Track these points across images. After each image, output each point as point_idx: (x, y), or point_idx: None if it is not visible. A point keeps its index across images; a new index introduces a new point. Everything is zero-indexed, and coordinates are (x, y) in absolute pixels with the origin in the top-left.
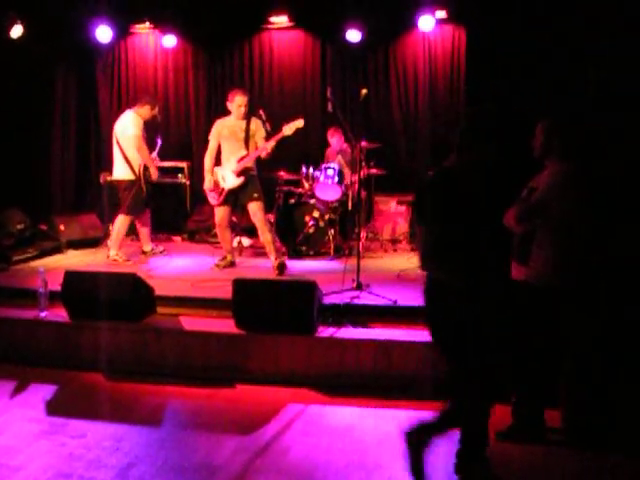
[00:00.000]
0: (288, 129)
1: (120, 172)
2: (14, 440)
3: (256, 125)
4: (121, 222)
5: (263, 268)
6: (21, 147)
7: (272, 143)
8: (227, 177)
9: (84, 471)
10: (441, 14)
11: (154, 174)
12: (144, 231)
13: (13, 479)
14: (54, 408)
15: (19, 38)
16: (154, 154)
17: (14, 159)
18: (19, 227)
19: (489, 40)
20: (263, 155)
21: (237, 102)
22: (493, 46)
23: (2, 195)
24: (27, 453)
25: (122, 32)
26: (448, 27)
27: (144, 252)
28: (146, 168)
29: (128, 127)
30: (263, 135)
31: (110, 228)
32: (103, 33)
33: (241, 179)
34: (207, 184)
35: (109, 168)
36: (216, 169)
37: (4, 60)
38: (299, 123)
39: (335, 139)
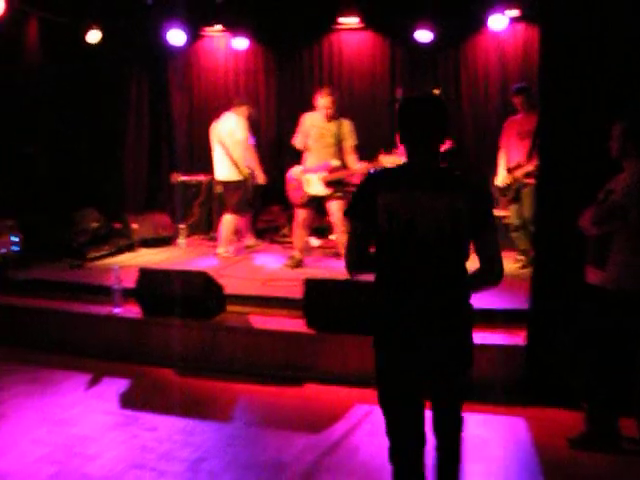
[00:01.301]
0: (386, 161)
1: (226, 173)
2: (89, 430)
3: (347, 130)
4: (228, 221)
5: (332, 268)
6: (96, 149)
7: (364, 167)
8: (313, 184)
9: (156, 463)
10: (513, 13)
11: (261, 178)
12: (246, 228)
13: (89, 467)
14: (127, 401)
15: (95, 43)
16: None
17: (90, 161)
18: (94, 225)
19: (568, 38)
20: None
21: (320, 103)
22: (572, 45)
23: (79, 195)
24: (101, 443)
25: (194, 35)
26: (520, 26)
27: (247, 246)
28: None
29: (236, 130)
30: (353, 144)
31: (180, 227)
32: (175, 37)
33: (329, 190)
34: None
35: (181, 169)
36: (300, 169)
37: (80, 64)
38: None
39: None
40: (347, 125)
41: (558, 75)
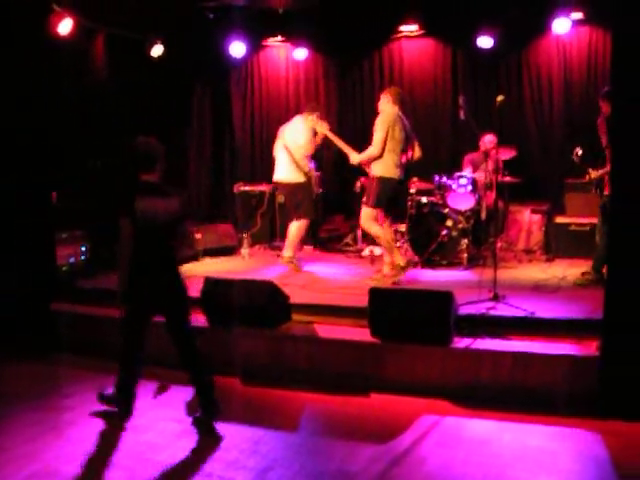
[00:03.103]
0: None
1: (285, 174)
2: (158, 438)
3: None
4: (296, 227)
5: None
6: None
7: None
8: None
9: (223, 472)
10: (577, 15)
11: (315, 186)
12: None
13: (157, 474)
14: (194, 409)
15: (158, 57)
16: (312, 165)
17: None
18: None
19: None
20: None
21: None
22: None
23: None
24: (170, 450)
25: (255, 46)
26: (584, 29)
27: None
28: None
29: (299, 134)
30: None
31: (243, 236)
32: (237, 48)
33: None
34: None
35: (243, 179)
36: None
37: (145, 78)
38: None
39: (490, 145)
40: None
41: (631, 79)
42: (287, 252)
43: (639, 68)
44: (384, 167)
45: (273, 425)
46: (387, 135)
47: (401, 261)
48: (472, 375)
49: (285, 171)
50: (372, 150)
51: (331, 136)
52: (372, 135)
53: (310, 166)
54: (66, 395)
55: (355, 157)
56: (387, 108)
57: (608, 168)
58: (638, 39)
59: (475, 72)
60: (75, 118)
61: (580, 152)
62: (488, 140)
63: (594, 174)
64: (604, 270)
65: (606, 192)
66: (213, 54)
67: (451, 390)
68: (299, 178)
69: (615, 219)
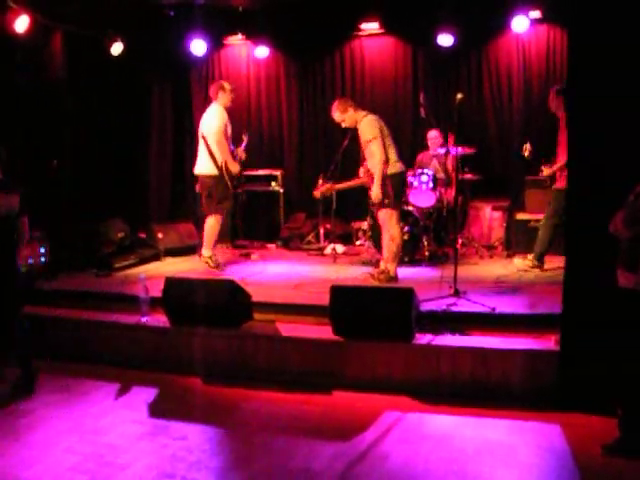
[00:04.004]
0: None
1: (201, 167)
2: (120, 440)
3: None
4: (209, 223)
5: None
6: (120, 159)
7: None
8: None
9: (186, 472)
10: (535, 14)
11: (235, 169)
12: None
13: (120, 476)
14: (156, 410)
15: (118, 55)
16: (240, 148)
17: (114, 171)
18: (120, 236)
19: (593, 39)
20: None
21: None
22: (599, 45)
23: (104, 205)
24: (132, 453)
25: (216, 45)
26: (542, 27)
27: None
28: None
29: (212, 120)
30: None
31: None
32: (198, 46)
33: None
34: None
35: None
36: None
37: (104, 76)
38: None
39: (434, 142)
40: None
41: (586, 78)
42: (205, 251)
43: (593, 66)
44: (389, 165)
45: (235, 425)
46: (382, 138)
47: (393, 272)
48: (433, 371)
49: (199, 163)
50: (378, 164)
51: (341, 186)
52: (360, 149)
53: (230, 148)
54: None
55: (376, 192)
56: (358, 117)
57: (559, 164)
58: (592, 37)
59: (435, 70)
60: (31, 118)
61: (529, 148)
62: (431, 136)
63: (547, 171)
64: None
65: (556, 186)
66: (174, 52)
67: (413, 386)
68: (211, 170)
69: (571, 216)
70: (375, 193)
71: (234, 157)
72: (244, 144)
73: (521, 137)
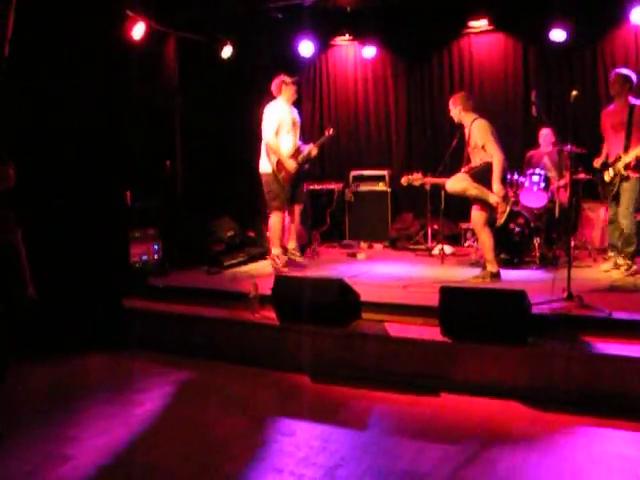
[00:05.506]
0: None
1: (261, 166)
2: (229, 433)
3: None
4: (270, 221)
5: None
6: (230, 160)
7: None
8: None
9: (294, 467)
10: None
11: (290, 167)
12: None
13: (229, 466)
14: (264, 406)
15: (228, 58)
16: (311, 145)
17: (224, 171)
18: (229, 234)
19: None
20: None
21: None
22: None
23: (214, 205)
24: (241, 445)
25: (323, 46)
26: None
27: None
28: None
29: (264, 119)
30: None
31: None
32: (306, 48)
33: None
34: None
35: (311, 178)
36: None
37: (214, 79)
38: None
39: (546, 140)
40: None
41: None
42: (273, 249)
43: None
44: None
45: (342, 423)
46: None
47: (493, 269)
48: (545, 376)
49: (260, 162)
50: (497, 160)
51: (432, 180)
52: (469, 147)
53: (297, 144)
54: (137, 390)
55: (498, 188)
56: (466, 119)
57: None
58: None
59: (548, 67)
60: (146, 120)
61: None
62: (543, 134)
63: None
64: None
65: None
66: (282, 54)
67: (523, 391)
68: (267, 168)
69: None
70: (497, 189)
71: (299, 153)
72: (322, 139)
73: None
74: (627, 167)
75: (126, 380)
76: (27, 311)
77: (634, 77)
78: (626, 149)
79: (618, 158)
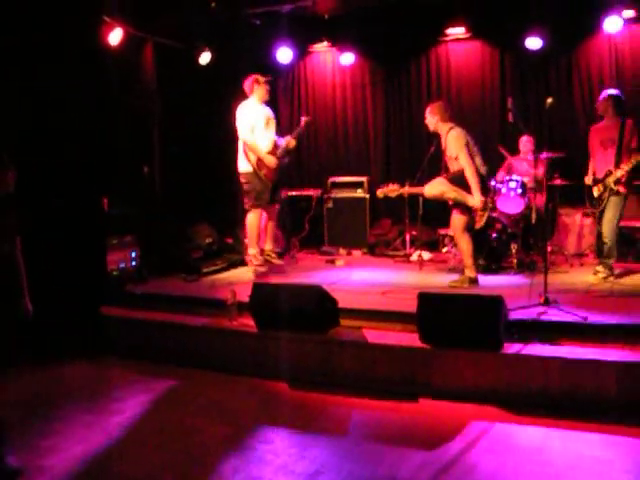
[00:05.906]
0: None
1: (239, 164)
2: (210, 440)
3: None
4: (248, 219)
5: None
6: (207, 166)
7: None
8: None
9: (273, 475)
10: (629, 13)
11: (270, 162)
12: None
13: (209, 476)
14: (242, 413)
15: (206, 64)
16: (288, 137)
17: (202, 178)
18: (207, 241)
19: None
20: None
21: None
22: None
23: (192, 211)
24: (220, 454)
25: (301, 52)
26: (637, 27)
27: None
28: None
29: (237, 118)
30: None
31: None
32: (284, 54)
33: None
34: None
35: (290, 184)
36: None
37: (192, 85)
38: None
39: (526, 147)
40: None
41: None
42: (250, 249)
43: None
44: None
45: (321, 430)
46: (468, 150)
47: (472, 274)
48: (522, 381)
49: (238, 162)
50: (469, 172)
51: (409, 190)
52: (445, 156)
53: (274, 139)
54: (116, 399)
55: (476, 198)
56: (442, 128)
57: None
58: None
59: (524, 74)
60: (123, 126)
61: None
62: (523, 141)
63: (620, 172)
64: None
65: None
66: (261, 60)
67: (501, 396)
68: (245, 167)
69: None
70: (477, 200)
71: (277, 148)
72: (299, 130)
73: None
74: (618, 182)
75: (105, 388)
76: (21, 324)
77: (617, 94)
78: (617, 164)
79: (609, 173)
